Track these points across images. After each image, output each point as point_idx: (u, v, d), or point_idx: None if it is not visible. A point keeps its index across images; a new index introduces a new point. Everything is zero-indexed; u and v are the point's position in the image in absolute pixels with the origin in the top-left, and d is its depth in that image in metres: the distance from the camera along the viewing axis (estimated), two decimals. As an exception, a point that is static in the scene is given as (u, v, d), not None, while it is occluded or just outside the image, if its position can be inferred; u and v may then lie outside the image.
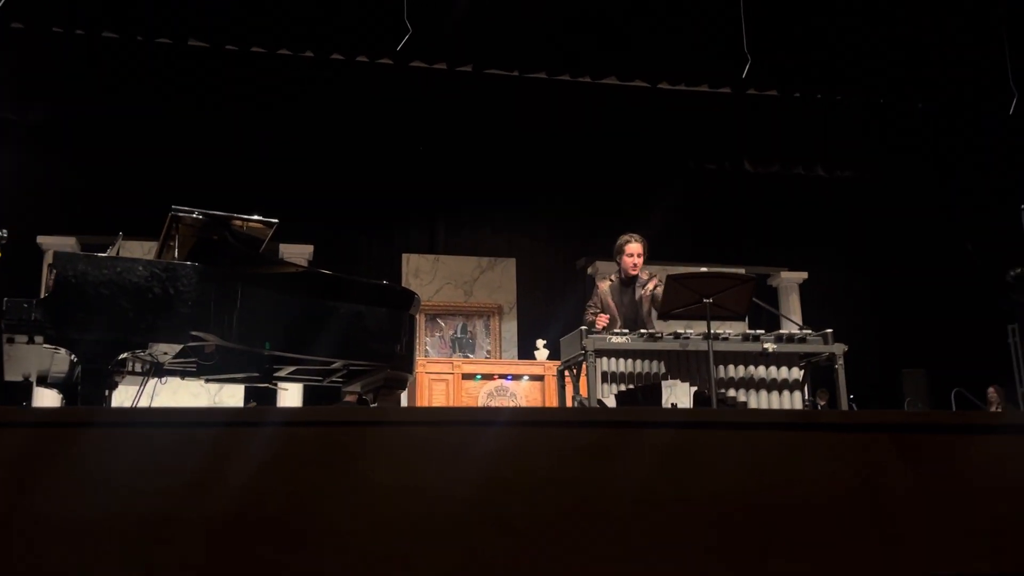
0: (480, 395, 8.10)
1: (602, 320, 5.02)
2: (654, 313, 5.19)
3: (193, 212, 4.00)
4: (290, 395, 8.63)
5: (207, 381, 4.87)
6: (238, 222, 4.14)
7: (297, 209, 9.04)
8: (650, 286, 5.24)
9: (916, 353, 10.92)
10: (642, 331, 4.88)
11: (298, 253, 9.40)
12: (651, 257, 5.42)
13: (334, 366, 4.65)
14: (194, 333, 3.76)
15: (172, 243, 4.11)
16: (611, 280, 5.35)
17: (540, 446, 1.31)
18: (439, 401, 7.94)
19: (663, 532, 1.20)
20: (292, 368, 4.72)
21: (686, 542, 1.20)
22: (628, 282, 5.27)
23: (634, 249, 5.22)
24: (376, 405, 4.66)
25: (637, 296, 5.23)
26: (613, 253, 5.31)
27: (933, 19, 8.56)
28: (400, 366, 4.64)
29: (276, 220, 4.23)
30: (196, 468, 1.44)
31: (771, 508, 1.21)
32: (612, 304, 5.23)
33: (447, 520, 1.27)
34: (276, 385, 5.07)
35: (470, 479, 1.29)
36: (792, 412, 2.24)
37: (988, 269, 10.19)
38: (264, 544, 1.26)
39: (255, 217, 4.20)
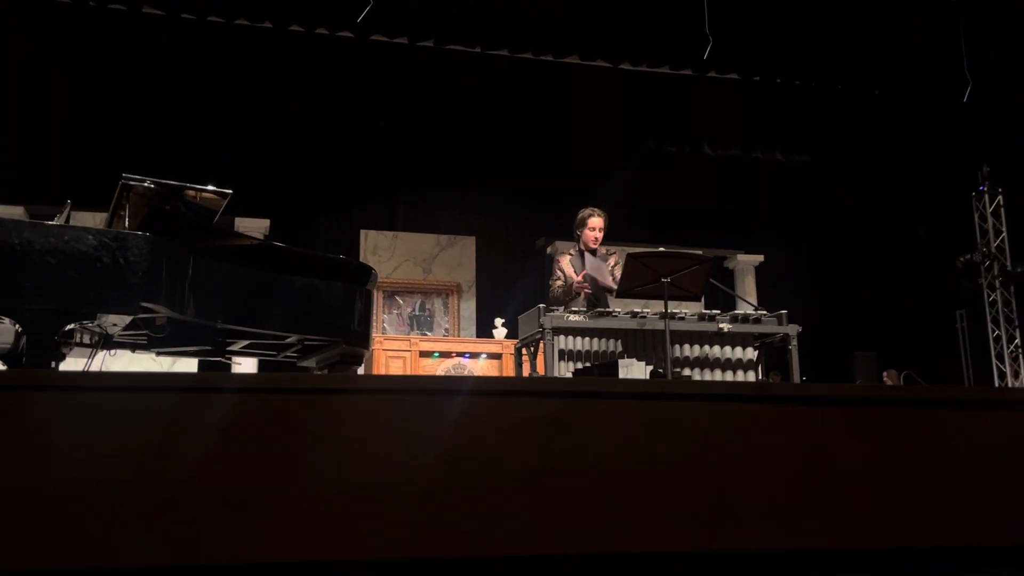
0: (438, 373, 8.09)
1: (578, 278, 5.05)
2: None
3: (145, 181, 3.91)
4: (244, 370, 8.54)
5: (158, 354, 4.79)
6: (191, 192, 4.06)
7: (254, 183, 8.92)
8: (611, 261, 5.27)
9: (868, 336, 11.12)
10: (599, 309, 4.90)
11: (255, 228, 9.27)
12: (610, 237, 5.43)
13: (289, 340, 4.60)
14: (144, 305, 3.68)
15: (123, 212, 4.01)
16: (571, 254, 5.36)
17: (496, 415, 1.30)
18: (396, 378, 7.93)
19: (613, 498, 1.20)
20: (246, 342, 4.65)
21: (638, 507, 1.19)
22: (587, 254, 5.29)
23: (596, 223, 5.23)
24: (331, 380, 4.61)
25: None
26: (574, 227, 5.32)
27: (892, 6, 8.66)
28: (356, 341, 4.60)
29: (230, 191, 4.15)
30: (155, 434, 1.40)
31: (725, 477, 1.22)
32: (576, 276, 5.24)
33: (408, 485, 1.25)
34: (229, 359, 5.00)
35: (428, 446, 1.27)
36: (746, 384, 2.26)
37: (939, 255, 10.40)
38: (226, 508, 1.23)
39: (209, 187, 4.12)
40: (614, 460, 1.24)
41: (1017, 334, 10.10)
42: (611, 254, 5.35)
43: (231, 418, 1.30)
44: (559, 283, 5.25)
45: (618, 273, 5.01)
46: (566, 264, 5.30)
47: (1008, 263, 10.18)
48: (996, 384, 9.89)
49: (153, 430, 1.37)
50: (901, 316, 10.90)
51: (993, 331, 10.16)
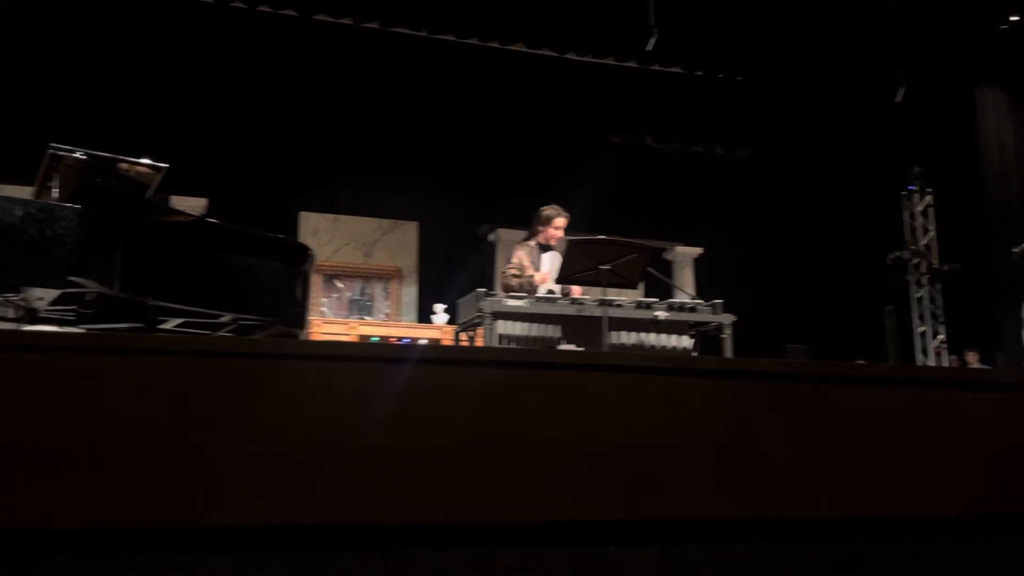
0: (376, 357, 8.04)
1: (541, 277, 5.10)
2: None
3: (75, 151, 3.80)
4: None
5: (87, 331, 4.66)
6: (124, 165, 3.96)
7: (192, 160, 8.73)
8: None
9: (800, 329, 11.37)
10: (539, 295, 4.93)
11: (191, 206, 9.06)
12: (550, 226, 5.47)
13: (223, 319, 4.51)
14: (72, 279, 3.59)
15: (51, 184, 3.90)
16: (530, 246, 5.40)
17: (428, 384, 1.30)
18: (333, 362, 7.84)
19: (542, 465, 1.21)
20: (179, 320, 4.55)
21: (563, 477, 1.21)
22: (546, 250, 5.34)
23: (561, 223, 5.32)
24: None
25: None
26: (535, 222, 5.37)
27: (832, 7, 8.85)
28: (292, 322, 4.54)
29: (166, 165, 4.06)
30: (77, 397, 1.37)
31: (648, 448, 1.24)
32: (533, 271, 5.28)
33: (340, 451, 1.24)
34: (162, 339, 4.90)
35: (362, 412, 1.27)
36: (673, 357, 2.31)
37: (870, 251, 10.69)
38: (148, 472, 1.21)
39: (143, 160, 4.02)
40: (544, 429, 1.25)
41: (942, 330, 10.44)
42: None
43: (156, 381, 1.27)
44: (513, 272, 5.27)
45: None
46: (524, 256, 5.33)
47: (935, 261, 10.51)
48: (921, 378, 10.20)
49: (75, 392, 1.34)
50: (832, 310, 11.18)
51: (919, 327, 10.49)
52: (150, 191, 4.15)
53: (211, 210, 9.27)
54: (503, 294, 4.94)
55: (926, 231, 10.64)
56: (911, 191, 10.73)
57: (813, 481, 1.28)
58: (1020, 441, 1.53)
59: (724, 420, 1.28)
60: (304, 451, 1.20)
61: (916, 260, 10.57)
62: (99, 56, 8.11)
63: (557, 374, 1.30)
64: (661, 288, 8.93)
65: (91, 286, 3.70)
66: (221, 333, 4.78)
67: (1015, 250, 8.08)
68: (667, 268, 11.21)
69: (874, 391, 1.37)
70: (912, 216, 10.72)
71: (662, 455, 1.25)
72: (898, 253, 10.53)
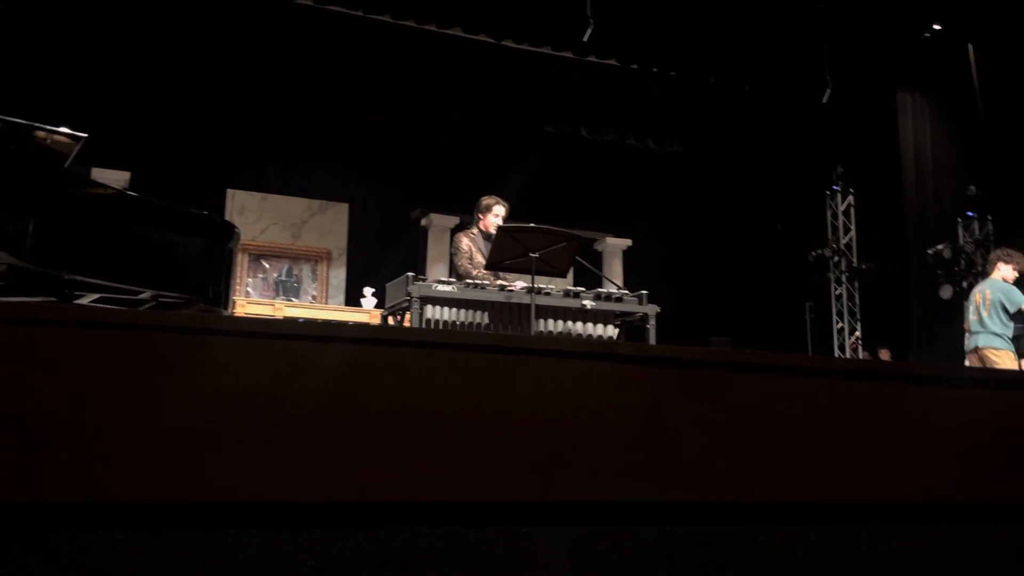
0: (301, 339, 7.91)
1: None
2: None
3: (-13, 117, 3.65)
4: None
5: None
6: (41, 134, 3.82)
7: (115, 132, 8.47)
8: None
9: (724, 322, 11.62)
10: (467, 281, 4.94)
11: (113, 179, 8.78)
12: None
13: (142, 296, 4.39)
14: (-19, 249, 3.45)
15: (-40, 150, 3.73)
16: (473, 234, 5.41)
17: (356, 362, 1.29)
18: (258, 343, 7.69)
19: (456, 449, 1.22)
20: (95, 296, 4.41)
21: (478, 458, 1.22)
22: (487, 238, 5.37)
23: (502, 212, 5.38)
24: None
25: None
26: (476, 210, 5.39)
27: (765, 6, 9.01)
28: (214, 302, 4.45)
29: (85, 135, 3.93)
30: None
31: (563, 431, 1.25)
32: (480, 258, 5.28)
33: (258, 429, 1.23)
34: (78, 315, 4.75)
35: (263, 389, 1.25)
36: (591, 342, 2.33)
37: (794, 249, 10.97)
38: (65, 446, 1.18)
39: (62, 129, 3.88)
40: (460, 411, 1.25)
41: (858, 327, 10.80)
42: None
43: (74, 354, 1.24)
44: (467, 258, 5.29)
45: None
46: (470, 244, 5.35)
47: (855, 260, 10.85)
48: (837, 373, 10.54)
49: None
50: (755, 305, 11.45)
51: (837, 323, 10.82)
52: (68, 161, 4.01)
53: (134, 183, 9.00)
54: (427, 278, 4.93)
55: (847, 230, 10.97)
56: (835, 191, 11.06)
57: (723, 466, 1.31)
58: (924, 431, 1.59)
59: (639, 404, 1.30)
60: (217, 428, 1.18)
61: (836, 258, 10.89)
62: (20, 20, 7.78)
63: (476, 356, 1.30)
64: (590, 278, 9.04)
65: (0, 257, 3.57)
66: (140, 310, 4.66)
67: (930, 251, 8.39)
68: (596, 258, 11.32)
69: (785, 380, 1.41)
70: (835, 215, 11.04)
71: (576, 437, 1.26)
72: (820, 251, 10.84)
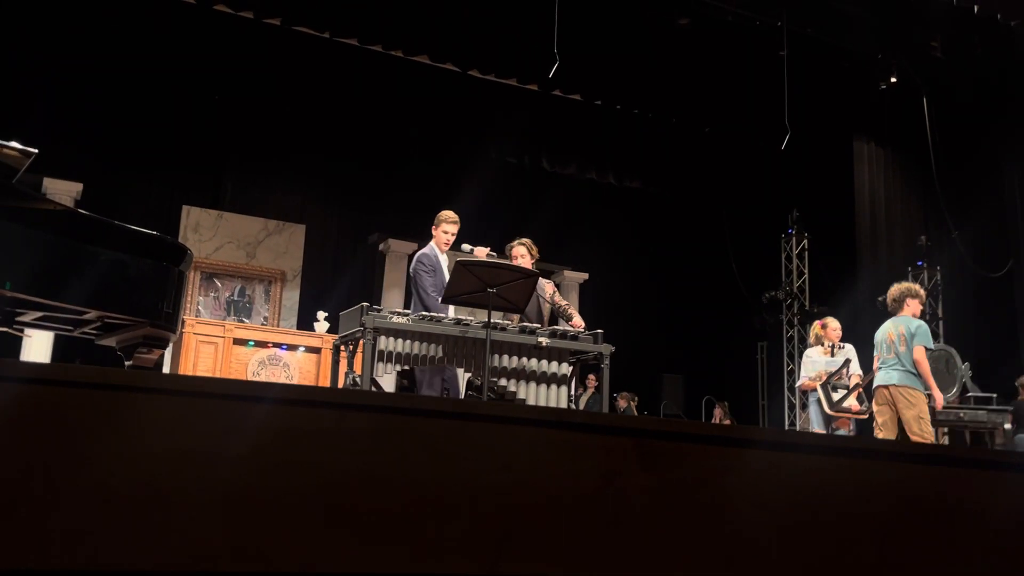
0: (251, 363, 7.75)
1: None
2: None
3: (-66, 128, 3.53)
4: (37, 343, 7.91)
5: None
6: (-11, 146, 3.71)
7: (67, 142, 8.29)
8: (548, 289, 5.66)
9: (677, 360, 11.70)
10: (423, 313, 4.89)
11: (65, 191, 8.60)
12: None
13: (87, 316, 4.28)
14: (-81, 264, 3.33)
15: (-97, 160, 3.61)
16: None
17: (295, 427, 1.25)
18: (206, 365, 7.53)
19: (407, 519, 1.18)
20: (38, 314, 4.28)
21: (422, 530, 1.18)
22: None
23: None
24: (131, 363, 4.34)
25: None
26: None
27: (726, 52, 9.17)
28: (162, 324, 4.33)
29: (35, 151, 3.82)
30: None
31: (514, 504, 1.22)
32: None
33: (192, 495, 1.17)
34: (20, 331, 4.61)
35: (217, 453, 1.20)
36: (545, 410, 2.30)
37: (748, 290, 11.10)
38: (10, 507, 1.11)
39: (12, 144, 3.78)
40: (419, 479, 1.21)
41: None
42: (546, 282, 5.65)
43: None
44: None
45: (559, 300, 5.64)
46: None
47: (807, 303, 11.00)
48: (785, 414, 10.65)
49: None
50: (708, 344, 11.54)
51: (788, 364, 10.93)
52: (16, 177, 3.89)
53: (87, 195, 8.80)
54: (383, 308, 4.89)
55: (800, 273, 11.13)
56: (790, 234, 11.23)
57: (668, 543, 1.29)
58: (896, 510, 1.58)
59: (590, 478, 1.27)
60: (147, 491, 1.13)
61: (789, 300, 11.04)
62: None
63: (423, 421, 1.27)
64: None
65: (-60, 273, 3.45)
66: (84, 330, 4.53)
67: (880, 299, 8.51)
68: (554, 291, 11.32)
69: (734, 452, 1.39)
70: (789, 258, 11.20)
71: (528, 507, 1.23)
72: (773, 292, 10.97)
